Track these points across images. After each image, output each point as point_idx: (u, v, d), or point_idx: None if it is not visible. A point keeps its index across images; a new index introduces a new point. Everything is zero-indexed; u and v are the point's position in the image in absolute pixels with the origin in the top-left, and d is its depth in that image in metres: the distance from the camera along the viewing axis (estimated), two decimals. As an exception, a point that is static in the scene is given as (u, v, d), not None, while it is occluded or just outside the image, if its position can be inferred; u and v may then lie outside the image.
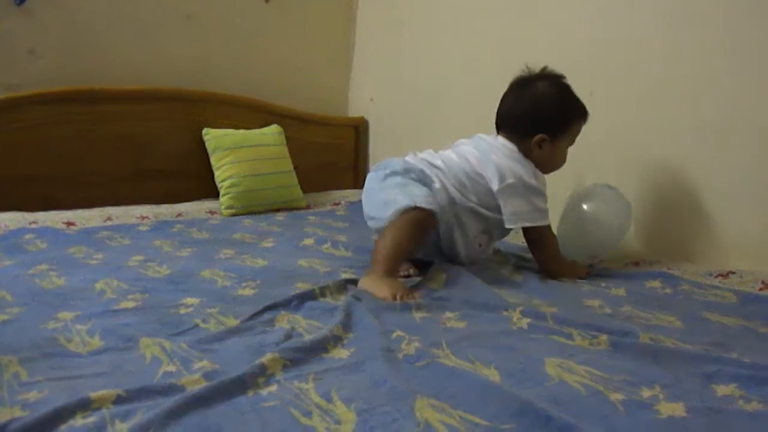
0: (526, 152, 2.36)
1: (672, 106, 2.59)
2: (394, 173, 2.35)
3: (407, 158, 2.42)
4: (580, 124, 2.39)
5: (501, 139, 2.40)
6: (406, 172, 2.34)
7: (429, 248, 2.35)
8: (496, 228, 2.38)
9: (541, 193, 2.33)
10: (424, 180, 2.31)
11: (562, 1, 2.99)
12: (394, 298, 1.95)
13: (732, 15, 2.41)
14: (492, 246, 2.51)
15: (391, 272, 2.12)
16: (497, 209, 2.33)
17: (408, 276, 2.28)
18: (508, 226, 2.33)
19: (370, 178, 2.43)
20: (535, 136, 2.34)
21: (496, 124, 2.45)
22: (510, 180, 2.30)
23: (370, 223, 2.38)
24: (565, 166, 2.45)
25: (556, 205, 2.47)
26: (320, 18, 4.17)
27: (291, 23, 4.07)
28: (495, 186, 2.31)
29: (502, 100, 2.46)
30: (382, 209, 2.26)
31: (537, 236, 2.36)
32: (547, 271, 2.34)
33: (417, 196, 2.21)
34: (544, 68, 2.43)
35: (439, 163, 2.39)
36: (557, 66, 2.64)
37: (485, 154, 2.37)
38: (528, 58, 2.86)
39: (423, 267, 2.33)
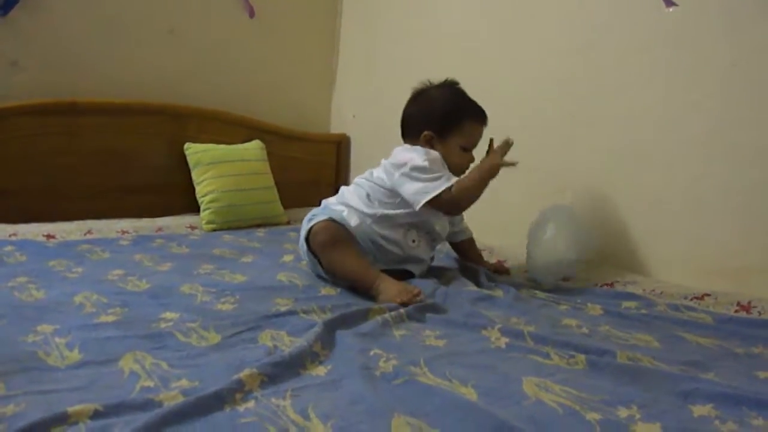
0: None
1: (650, 128, 2.62)
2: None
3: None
4: (473, 125, 2.47)
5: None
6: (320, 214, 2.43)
7: (383, 260, 2.40)
8: (415, 220, 2.42)
9: (430, 170, 2.35)
10: (330, 214, 2.39)
11: (542, 23, 3.02)
12: (401, 300, 2.03)
13: (705, 38, 2.44)
14: (439, 238, 2.54)
15: (369, 279, 2.18)
16: (404, 203, 2.38)
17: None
18: (416, 208, 2.34)
19: None
20: (422, 135, 2.44)
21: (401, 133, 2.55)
22: (397, 172, 2.37)
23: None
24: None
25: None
26: (303, 34, 4.18)
27: (274, 39, 4.08)
28: (388, 183, 2.40)
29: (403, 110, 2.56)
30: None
31: (448, 198, 2.34)
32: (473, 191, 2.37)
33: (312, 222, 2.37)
34: (444, 80, 2.55)
35: (343, 191, 2.54)
36: (535, 88, 2.68)
37: (381, 163, 2.48)
38: (507, 76, 2.90)
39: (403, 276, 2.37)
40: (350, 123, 4.15)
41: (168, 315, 1.91)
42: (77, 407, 1.27)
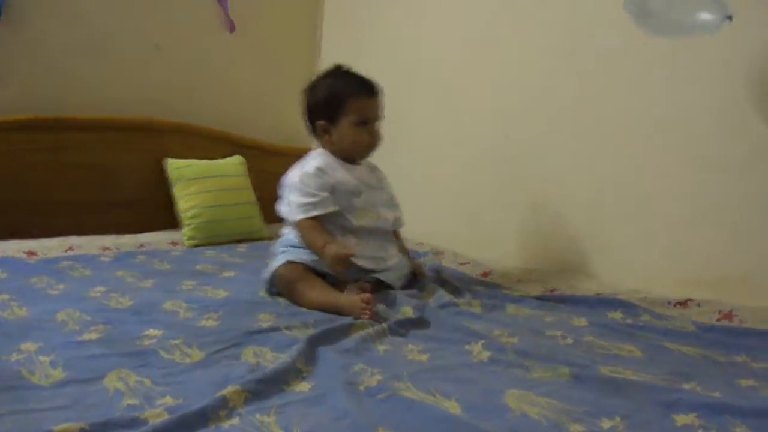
0: (325, 145, 2.54)
1: (634, 138, 2.65)
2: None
3: None
4: (358, 100, 2.49)
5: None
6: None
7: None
8: (335, 222, 2.46)
9: (297, 189, 2.44)
10: (285, 253, 2.46)
11: (522, 38, 3.06)
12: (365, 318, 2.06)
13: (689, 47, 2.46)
14: (378, 232, 2.55)
15: (333, 305, 2.19)
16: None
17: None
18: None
19: None
20: (317, 126, 2.51)
21: None
22: (284, 189, 2.52)
23: None
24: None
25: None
26: (285, 49, 4.20)
27: (256, 54, 4.09)
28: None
29: None
30: None
31: (298, 228, 2.43)
32: None
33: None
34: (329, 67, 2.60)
35: None
36: (515, 103, 2.70)
37: None
38: (485, 91, 2.92)
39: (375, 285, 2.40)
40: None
41: (151, 332, 1.90)
42: (62, 426, 1.28)
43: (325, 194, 2.42)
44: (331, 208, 2.42)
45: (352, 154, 2.54)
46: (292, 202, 2.45)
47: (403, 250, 2.70)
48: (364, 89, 2.51)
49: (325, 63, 4.09)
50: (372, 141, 2.53)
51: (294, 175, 2.49)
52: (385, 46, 3.80)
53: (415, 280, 2.59)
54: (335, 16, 4.23)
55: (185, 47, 3.87)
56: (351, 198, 2.47)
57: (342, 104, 2.47)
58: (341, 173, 2.49)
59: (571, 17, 2.85)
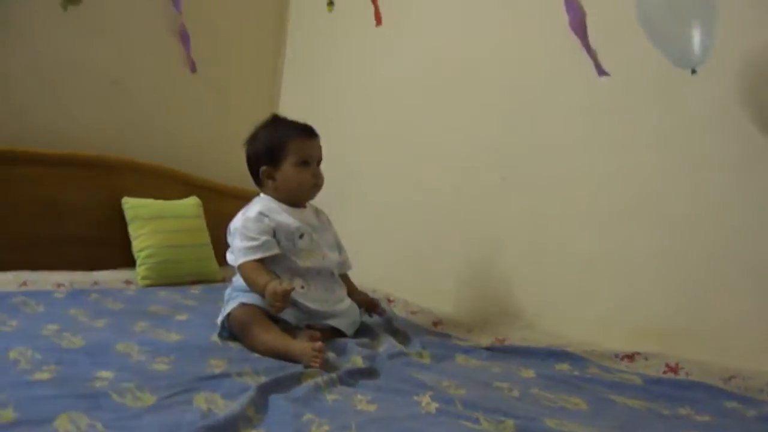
0: (268, 191, 2.60)
1: (582, 193, 2.70)
2: None
3: None
4: (298, 142, 2.58)
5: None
6: None
7: (295, 317, 2.45)
8: (281, 264, 2.50)
9: (239, 234, 2.50)
10: (237, 296, 2.49)
11: (477, 85, 3.12)
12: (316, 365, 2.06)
13: (637, 105, 2.53)
14: (325, 272, 2.59)
15: (284, 351, 2.20)
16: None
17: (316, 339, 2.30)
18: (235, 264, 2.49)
19: None
20: (261, 172, 2.57)
21: None
22: (229, 236, 2.56)
23: None
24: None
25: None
26: (244, 92, 4.24)
27: (215, 95, 4.13)
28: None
29: None
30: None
31: (241, 271, 2.47)
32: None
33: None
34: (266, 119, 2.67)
35: None
36: (468, 151, 2.76)
37: None
38: (441, 139, 2.97)
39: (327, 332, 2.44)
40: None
41: (103, 374, 1.89)
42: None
43: (266, 237, 2.46)
44: (272, 251, 2.46)
45: (297, 195, 2.60)
46: (234, 247, 2.50)
47: (356, 291, 2.76)
48: (304, 132, 2.60)
49: (285, 106, 4.16)
50: (316, 180, 2.59)
51: (237, 221, 2.54)
52: (343, 91, 3.87)
53: (368, 323, 2.66)
54: (295, 61, 4.28)
55: (144, 85, 3.90)
56: (294, 239, 2.51)
57: (283, 147, 2.55)
58: (283, 216, 2.53)
59: (524, 71, 2.92)
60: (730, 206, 2.33)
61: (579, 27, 2.62)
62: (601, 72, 2.59)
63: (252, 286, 2.40)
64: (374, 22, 3.61)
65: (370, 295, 2.85)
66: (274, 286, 2.26)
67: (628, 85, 2.56)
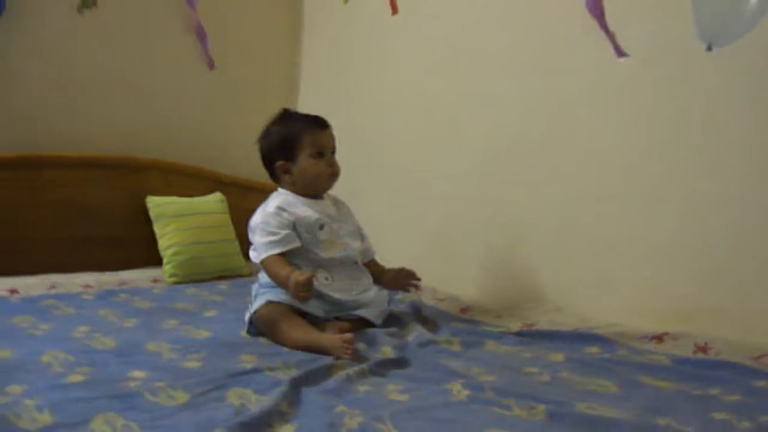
0: (286, 185, 2.61)
1: (605, 176, 2.71)
2: None
3: None
4: (311, 134, 2.59)
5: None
6: None
7: (322, 309, 2.47)
8: (304, 258, 2.52)
9: (260, 230, 2.52)
10: (263, 293, 2.47)
11: (497, 69, 3.12)
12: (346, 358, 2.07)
13: (659, 85, 2.53)
14: (348, 262, 2.60)
15: (314, 345, 2.21)
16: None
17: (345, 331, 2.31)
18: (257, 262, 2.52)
19: None
20: (276, 167, 2.58)
21: None
22: (250, 233, 2.57)
23: None
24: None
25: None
26: (263, 85, 4.23)
27: (234, 90, 4.13)
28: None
29: None
30: None
31: (264, 266, 2.49)
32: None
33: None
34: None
35: None
36: (489, 140, 2.76)
37: None
38: (462, 130, 2.97)
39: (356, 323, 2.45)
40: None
41: (136, 374, 1.90)
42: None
43: (286, 231, 2.47)
44: (294, 245, 2.48)
45: (315, 186, 2.61)
46: (256, 243, 2.52)
47: (386, 271, 2.77)
48: (316, 123, 2.61)
49: (304, 99, 4.16)
50: (332, 170, 2.60)
51: (257, 217, 2.56)
52: (363, 83, 3.86)
53: (394, 316, 2.64)
54: (314, 53, 4.28)
55: (164, 84, 3.91)
56: (314, 231, 2.52)
57: (297, 140, 2.56)
58: (301, 209, 2.54)
59: (544, 55, 2.91)
60: (756, 184, 2.31)
61: (596, 8, 2.61)
62: (620, 53, 2.58)
63: (275, 279, 2.42)
64: (390, 11, 3.59)
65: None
66: (296, 276, 2.28)
67: (649, 65, 2.54)
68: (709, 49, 2.09)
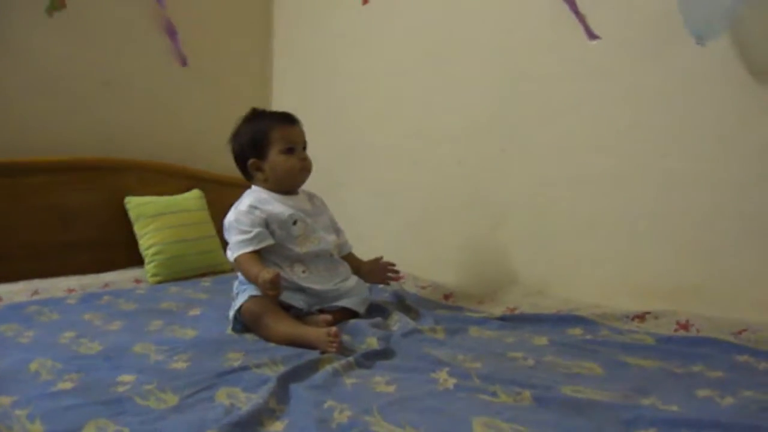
0: (259, 183, 2.63)
1: (580, 157, 2.72)
2: None
3: None
4: (280, 130, 2.62)
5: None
6: None
7: (305, 301, 2.49)
8: (280, 254, 2.54)
9: (233, 228, 2.54)
10: (247, 288, 2.49)
11: (470, 57, 3.13)
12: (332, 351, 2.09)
13: (631, 66, 2.54)
14: (324, 255, 2.61)
15: (300, 338, 2.22)
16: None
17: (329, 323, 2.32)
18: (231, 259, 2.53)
19: None
20: (249, 166, 2.60)
21: None
22: (225, 233, 2.59)
23: None
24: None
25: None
26: (237, 81, 4.23)
27: (208, 86, 4.11)
28: None
29: None
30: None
31: (237, 265, 2.51)
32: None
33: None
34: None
35: None
36: (466, 124, 2.77)
37: None
38: (438, 113, 2.97)
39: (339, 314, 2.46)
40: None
41: (124, 378, 1.90)
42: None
43: (258, 229, 2.49)
44: (266, 242, 2.49)
45: (287, 182, 2.63)
46: (230, 242, 2.53)
47: (364, 263, 2.79)
48: (285, 120, 2.64)
49: (278, 91, 4.15)
50: (303, 165, 2.62)
51: (230, 216, 2.57)
52: (338, 73, 3.86)
53: (378, 306, 2.65)
54: (285, 45, 4.27)
55: (138, 83, 3.88)
56: (288, 227, 2.54)
57: (267, 137, 2.58)
58: (274, 205, 2.56)
59: (520, 39, 2.93)
60: (731, 161, 2.34)
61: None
62: (592, 36, 2.60)
63: (247, 277, 2.44)
64: (361, 1, 3.59)
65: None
66: (263, 275, 2.29)
67: (621, 46, 2.57)
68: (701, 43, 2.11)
